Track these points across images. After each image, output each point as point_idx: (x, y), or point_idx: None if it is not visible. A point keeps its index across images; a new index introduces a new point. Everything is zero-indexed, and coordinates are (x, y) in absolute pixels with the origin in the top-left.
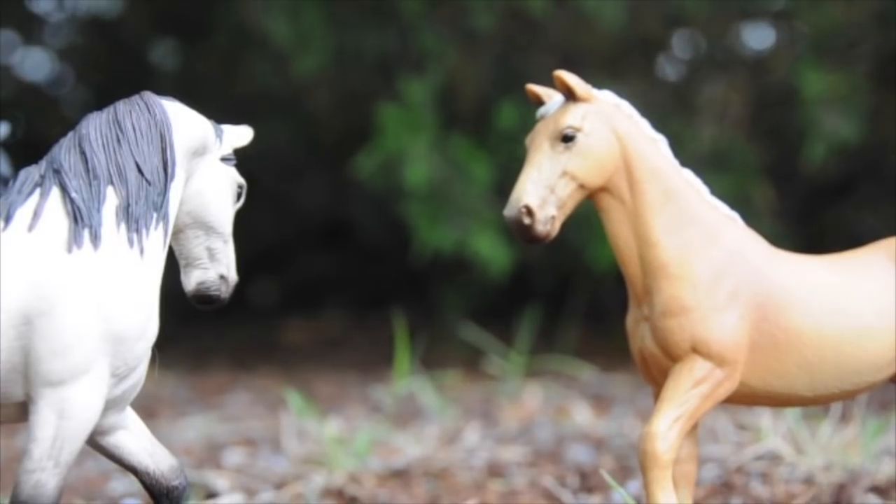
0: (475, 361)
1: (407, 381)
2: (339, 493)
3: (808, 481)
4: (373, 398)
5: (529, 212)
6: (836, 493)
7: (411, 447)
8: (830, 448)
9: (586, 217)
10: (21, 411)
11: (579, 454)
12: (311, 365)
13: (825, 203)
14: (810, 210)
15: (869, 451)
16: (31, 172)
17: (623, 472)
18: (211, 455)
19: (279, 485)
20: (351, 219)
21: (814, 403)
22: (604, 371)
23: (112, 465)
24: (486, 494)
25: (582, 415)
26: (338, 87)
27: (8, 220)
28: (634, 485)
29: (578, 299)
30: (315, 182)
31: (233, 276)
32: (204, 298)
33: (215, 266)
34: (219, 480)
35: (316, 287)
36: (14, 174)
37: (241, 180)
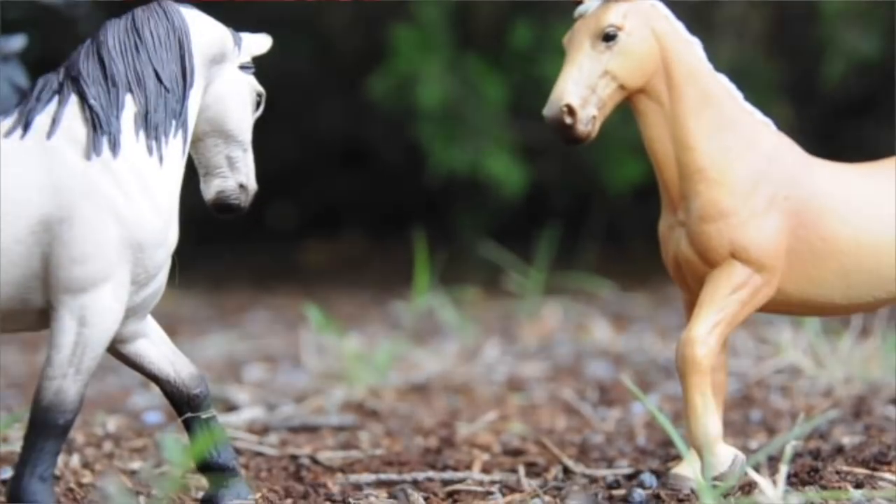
0: (494, 279)
1: (426, 298)
2: (358, 407)
3: (828, 394)
4: (392, 315)
5: (571, 111)
6: (855, 405)
7: (431, 363)
8: (850, 361)
9: (601, 139)
10: (41, 319)
11: (599, 369)
12: (331, 285)
13: (844, 121)
14: (829, 128)
15: (889, 364)
16: (50, 80)
17: (643, 387)
18: (231, 371)
19: (299, 398)
20: (368, 141)
21: (847, 312)
22: (623, 290)
23: (133, 380)
24: (506, 408)
25: (601, 332)
26: (353, 7)
27: (27, 127)
28: (654, 398)
29: (596, 219)
30: (332, 104)
31: (252, 185)
32: (224, 207)
33: (235, 175)
34: (239, 394)
35: (334, 209)
36: (32, 83)
37: (260, 88)
